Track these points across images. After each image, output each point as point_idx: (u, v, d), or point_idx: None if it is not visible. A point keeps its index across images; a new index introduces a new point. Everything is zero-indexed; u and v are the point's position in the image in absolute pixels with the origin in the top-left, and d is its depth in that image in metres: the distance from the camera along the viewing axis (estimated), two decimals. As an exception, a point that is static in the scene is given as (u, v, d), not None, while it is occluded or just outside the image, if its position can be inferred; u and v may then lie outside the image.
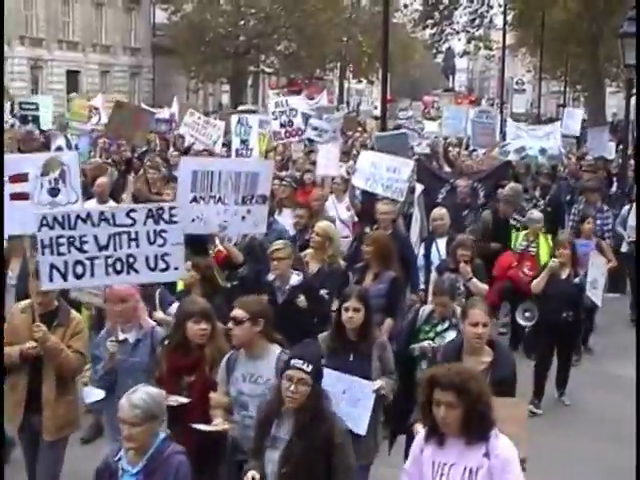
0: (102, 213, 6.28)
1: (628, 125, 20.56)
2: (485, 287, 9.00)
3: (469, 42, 45.93)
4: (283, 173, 14.87)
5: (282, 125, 17.19)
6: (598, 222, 12.71)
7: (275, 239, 8.95)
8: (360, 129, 27.12)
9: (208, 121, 17.98)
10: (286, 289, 7.92)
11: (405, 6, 46.77)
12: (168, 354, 6.08)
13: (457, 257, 9.09)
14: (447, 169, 16.54)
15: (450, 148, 20.51)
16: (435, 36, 43.70)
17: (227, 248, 8.60)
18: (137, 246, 6.30)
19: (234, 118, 16.45)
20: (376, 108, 38.33)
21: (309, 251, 8.98)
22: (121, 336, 6.35)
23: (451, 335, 6.84)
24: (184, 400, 5.74)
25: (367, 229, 10.67)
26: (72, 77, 49.26)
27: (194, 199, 8.10)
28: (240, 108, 37.06)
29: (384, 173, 11.53)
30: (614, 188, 17.86)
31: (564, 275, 9.54)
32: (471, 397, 4.36)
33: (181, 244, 6.44)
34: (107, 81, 52.15)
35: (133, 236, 6.29)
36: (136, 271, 6.32)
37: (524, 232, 11.59)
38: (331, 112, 25.84)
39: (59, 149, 15.44)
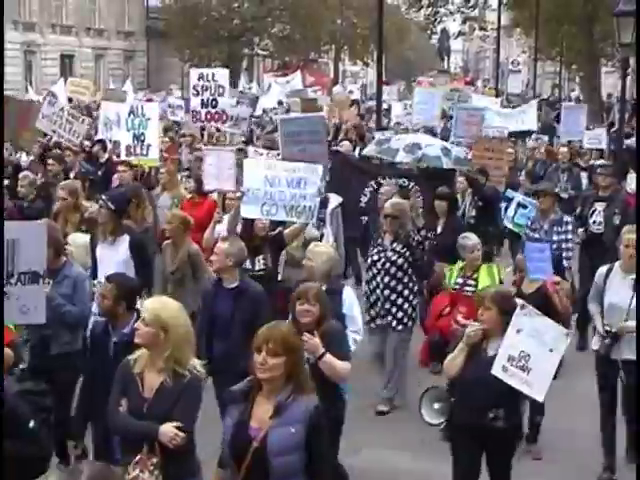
0: None
1: (624, 105, 20.48)
2: (346, 366, 5.97)
3: (464, 23, 45.97)
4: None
5: (204, 104, 14.12)
6: (555, 238, 9.84)
7: (70, 292, 6.80)
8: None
9: (74, 115, 14.32)
10: None
11: (400, -13, 46.66)
12: None
13: (297, 316, 5.99)
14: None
15: None
16: (430, 17, 43.57)
17: None
18: None
19: (124, 107, 12.93)
20: (351, 92, 37.74)
21: (140, 353, 5.16)
22: None
23: None
24: None
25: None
26: (66, 61, 49.10)
27: None
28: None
29: (285, 190, 8.46)
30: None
31: (492, 350, 5.93)
32: None
33: None
34: (101, 65, 51.99)
35: None
36: None
37: (460, 265, 8.78)
38: (302, 95, 25.55)
39: None
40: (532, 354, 5.81)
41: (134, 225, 8.67)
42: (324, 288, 6.83)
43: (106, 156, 13.82)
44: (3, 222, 6.10)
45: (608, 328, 7.23)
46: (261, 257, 8.38)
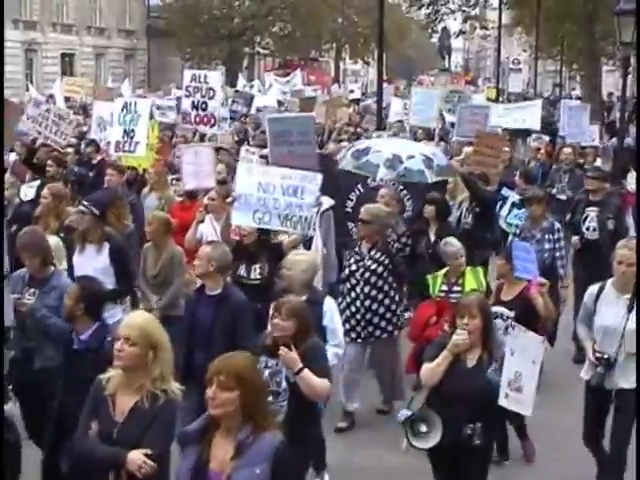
0: None
1: (625, 105, 20.42)
2: (325, 384, 5.61)
3: (465, 22, 45.83)
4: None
5: (194, 106, 13.77)
6: (547, 246, 9.41)
7: (57, 304, 6.30)
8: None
9: (61, 116, 13.62)
10: None
11: (400, -14, 46.62)
12: None
13: (274, 332, 5.69)
14: None
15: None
16: (430, 16, 43.49)
17: None
18: None
19: (118, 103, 12.80)
20: (352, 92, 37.49)
21: (113, 372, 4.72)
22: None
23: None
24: None
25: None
26: (67, 60, 49.13)
27: None
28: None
29: (280, 198, 7.97)
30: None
31: (471, 361, 5.69)
32: None
33: None
34: (102, 64, 52.00)
35: None
36: None
37: (443, 272, 8.30)
38: (302, 95, 25.45)
39: None
40: (523, 373, 5.62)
41: (115, 231, 8.17)
42: (304, 298, 6.49)
43: (98, 157, 13.53)
44: (3, 221, 6.00)
45: (599, 355, 6.48)
46: (257, 266, 7.99)
